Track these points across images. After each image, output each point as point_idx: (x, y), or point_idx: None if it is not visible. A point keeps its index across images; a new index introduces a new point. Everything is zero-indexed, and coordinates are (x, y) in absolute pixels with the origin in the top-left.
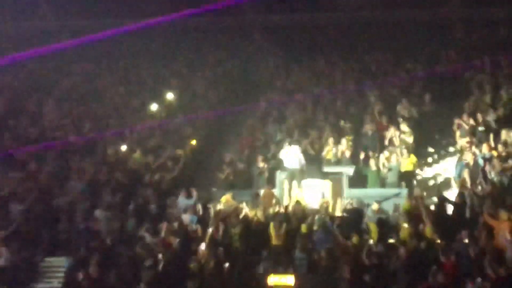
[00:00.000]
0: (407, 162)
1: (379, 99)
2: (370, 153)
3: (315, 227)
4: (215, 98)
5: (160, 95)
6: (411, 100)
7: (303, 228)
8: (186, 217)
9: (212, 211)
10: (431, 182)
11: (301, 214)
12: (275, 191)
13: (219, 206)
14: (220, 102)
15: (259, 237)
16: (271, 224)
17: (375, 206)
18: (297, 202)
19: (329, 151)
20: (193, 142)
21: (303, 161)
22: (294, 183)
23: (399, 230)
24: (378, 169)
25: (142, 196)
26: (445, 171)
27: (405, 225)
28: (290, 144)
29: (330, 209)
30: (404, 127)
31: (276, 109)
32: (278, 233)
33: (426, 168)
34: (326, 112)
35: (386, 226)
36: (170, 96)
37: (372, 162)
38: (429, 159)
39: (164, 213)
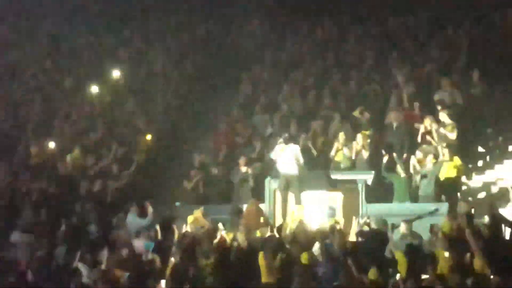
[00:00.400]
0: (448, 167)
1: (409, 78)
2: (397, 154)
3: (319, 257)
4: (180, 77)
5: (103, 72)
6: (454, 79)
7: (304, 258)
8: (139, 243)
9: (175, 235)
10: (482, 194)
11: (304, 239)
12: (264, 206)
13: (186, 228)
14: (186, 82)
15: (241, 270)
16: (261, 254)
17: (403, 228)
18: (300, 223)
19: (339, 150)
20: (148, 137)
21: (302, 164)
22: (291, 195)
23: (437, 261)
24: (408, 177)
25: (78, 213)
26: (502, 179)
27: (445, 254)
28: (285, 141)
29: (340, 233)
30: (444, 117)
31: (265, 92)
32: (271, 266)
33: (474, 175)
34: (335, 97)
35: (418, 255)
36: (116, 73)
37: (399, 167)
38: (479, 162)
39: (108, 237)
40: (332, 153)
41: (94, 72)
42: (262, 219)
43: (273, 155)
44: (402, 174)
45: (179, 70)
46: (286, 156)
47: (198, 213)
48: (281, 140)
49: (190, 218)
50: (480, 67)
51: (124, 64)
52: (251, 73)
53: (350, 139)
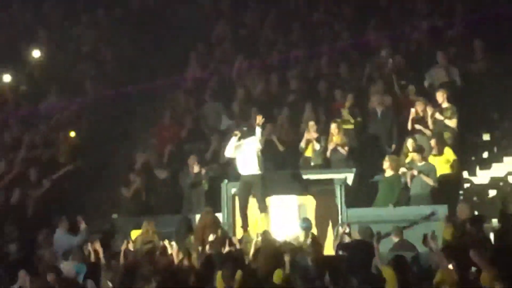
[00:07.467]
0: (439, 162)
1: (396, 53)
2: (382, 148)
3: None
4: (113, 60)
5: (18, 55)
6: (452, 53)
7: (277, 276)
8: (68, 266)
9: (114, 255)
10: (490, 193)
11: (271, 253)
12: (221, 216)
13: (126, 246)
14: (121, 66)
15: None
16: (219, 274)
17: (393, 237)
18: (265, 233)
19: (310, 143)
20: (72, 134)
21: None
22: (253, 201)
23: (436, 278)
24: (397, 175)
25: None
26: None
27: (450, 267)
28: (243, 134)
29: (314, 245)
30: (441, 99)
31: (218, 75)
32: (230, 286)
33: (478, 171)
34: (304, 78)
35: (412, 270)
36: (35, 56)
37: (386, 163)
38: (484, 154)
39: (31, 259)
40: (302, 145)
41: (6, 55)
42: (219, 231)
43: (227, 152)
44: (390, 172)
45: (112, 52)
46: (246, 153)
47: (149, 226)
48: (236, 133)
49: (134, 234)
50: (483, 38)
51: (43, 46)
52: (199, 51)
53: (323, 129)
